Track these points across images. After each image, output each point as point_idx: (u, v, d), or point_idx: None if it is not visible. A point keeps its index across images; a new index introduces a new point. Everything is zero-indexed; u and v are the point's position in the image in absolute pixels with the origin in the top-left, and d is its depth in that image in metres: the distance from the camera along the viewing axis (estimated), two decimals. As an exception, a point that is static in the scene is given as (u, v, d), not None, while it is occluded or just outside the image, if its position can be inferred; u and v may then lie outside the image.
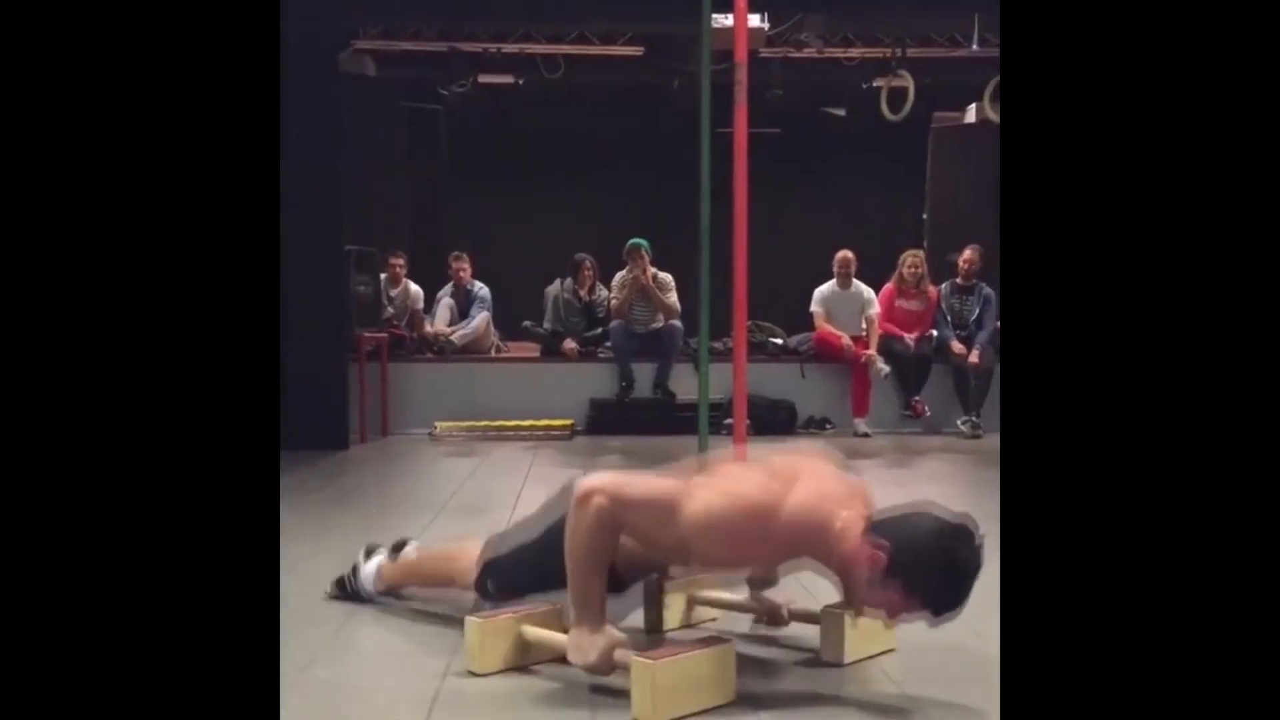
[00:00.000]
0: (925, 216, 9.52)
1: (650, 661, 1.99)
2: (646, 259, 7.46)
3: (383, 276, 7.42)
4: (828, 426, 7.39)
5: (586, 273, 7.77)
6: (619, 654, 2.08)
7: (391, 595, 2.79)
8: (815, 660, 2.38)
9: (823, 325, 7.50)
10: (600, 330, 7.59)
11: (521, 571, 2.36)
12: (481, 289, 7.93)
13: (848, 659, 2.35)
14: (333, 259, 6.44)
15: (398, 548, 2.77)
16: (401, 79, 9.10)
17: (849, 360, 7.31)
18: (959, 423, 7.21)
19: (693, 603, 2.66)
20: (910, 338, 7.37)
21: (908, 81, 8.43)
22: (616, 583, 2.24)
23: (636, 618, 2.52)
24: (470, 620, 2.27)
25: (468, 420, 7.13)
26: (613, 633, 2.12)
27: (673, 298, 7.44)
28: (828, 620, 2.37)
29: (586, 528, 2.06)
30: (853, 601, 2.16)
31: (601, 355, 7.55)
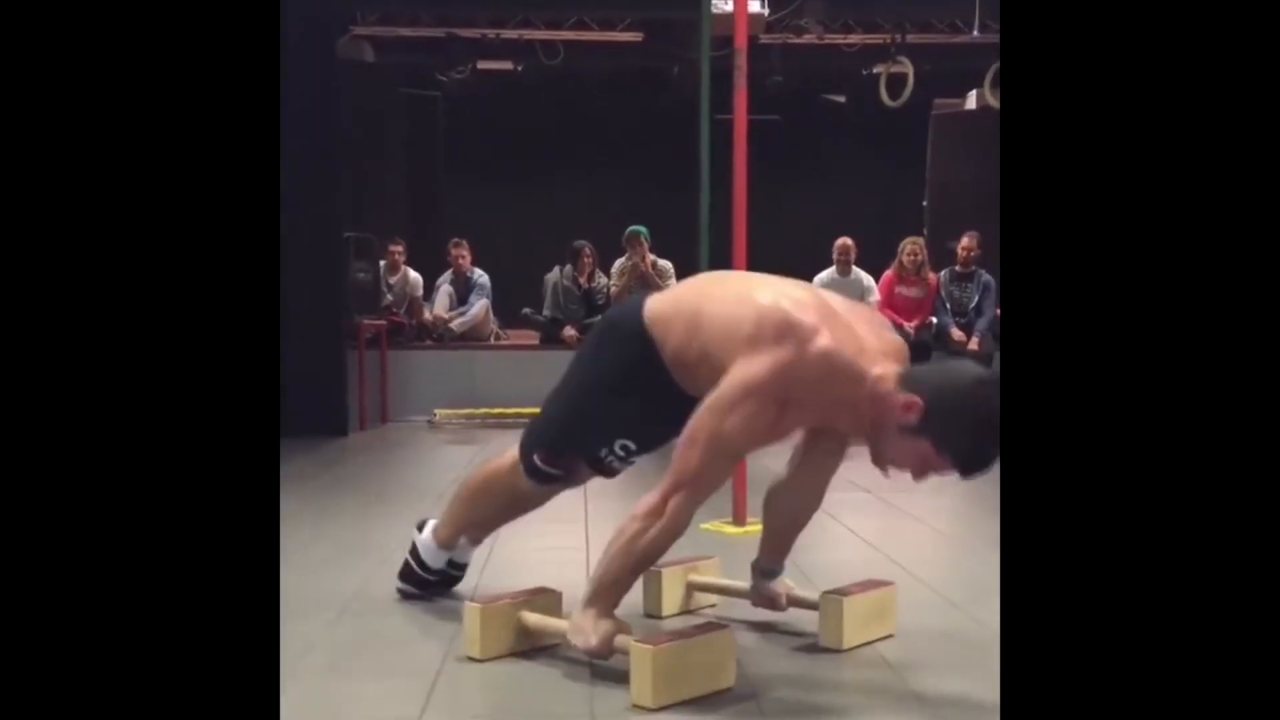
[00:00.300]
0: (925, 203, 9.51)
1: (649, 647, 2.00)
2: (646, 246, 7.45)
3: (381, 263, 7.41)
4: (827, 413, 7.38)
5: (586, 260, 7.77)
6: (619, 639, 2.09)
7: (454, 565, 2.70)
8: (814, 646, 2.38)
9: (822, 312, 7.48)
10: (600, 317, 7.58)
11: (561, 435, 2.35)
12: (481, 276, 7.92)
13: (846, 644, 2.35)
14: (332, 246, 6.44)
15: (419, 528, 2.75)
16: (400, 65, 9.09)
17: (848, 347, 7.29)
18: (958, 410, 7.20)
19: (692, 588, 2.67)
20: (910, 325, 7.37)
21: (907, 68, 8.41)
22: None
23: (635, 603, 2.53)
24: (469, 606, 2.28)
25: (467, 408, 7.13)
26: (616, 620, 2.13)
27: (672, 285, 7.43)
28: (827, 606, 2.38)
29: (670, 533, 2.07)
30: (881, 458, 2.09)
31: (601, 343, 7.52)
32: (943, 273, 7.59)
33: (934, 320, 7.48)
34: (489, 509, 2.62)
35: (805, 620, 2.47)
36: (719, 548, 2.90)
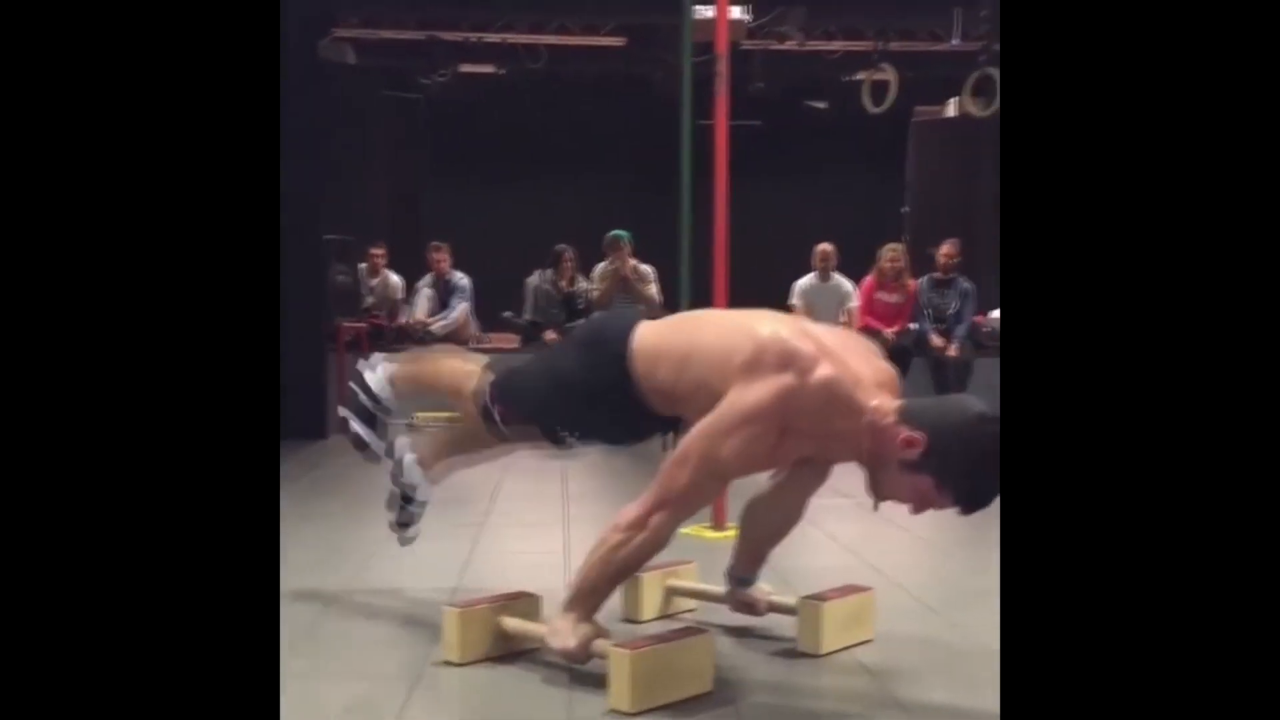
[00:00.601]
0: (905, 210, 9.55)
1: (627, 651, 2.00)
2: (627, 250, 7.46)
3: (361, 266, 7.38)
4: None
5: (567, 264, 7.76)
6: (597, 643, 2.09)
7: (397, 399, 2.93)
8: (792, 651, 2.39)
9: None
10: (580, 321, 7.59)
11: (525, 405, 2.38)
12: (462, 279, 7.90)
13: (824, 649, 2.36)
14: (312, 248, 6.41)
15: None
16: (382, 68, 9.06)
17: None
18: (937, 416, 7.22)
19: (670, 593, 2.67)
20: (890, 331, 7.40)
21: (890, 74, 8.44)
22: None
23: (614, 607, 2.53)
24: (447, 610, 2.27)
25: (447, 411, 7.10)
26: (596, 624, 2.13)
27: (653, 289, 7.44)
28: (805, 611, 2.38)
29: (651, 548, 2.09)
30: (879, 491, 2.08)
31: (581, 347, 7.52)
32: (922, 279, 7.62)
33: (914, 326, 7.51)
34: (436, 384, 2.88)
35: (784, 625, 2.48)
36: (698, 552, 2.91)
